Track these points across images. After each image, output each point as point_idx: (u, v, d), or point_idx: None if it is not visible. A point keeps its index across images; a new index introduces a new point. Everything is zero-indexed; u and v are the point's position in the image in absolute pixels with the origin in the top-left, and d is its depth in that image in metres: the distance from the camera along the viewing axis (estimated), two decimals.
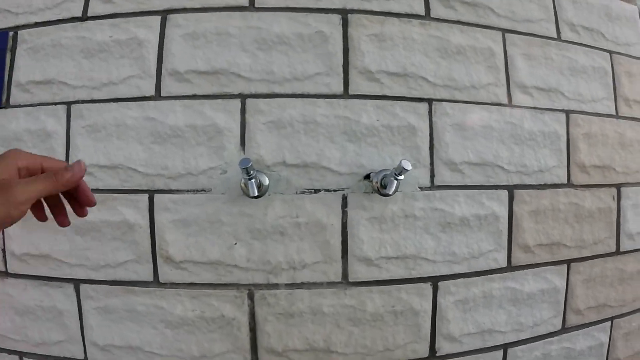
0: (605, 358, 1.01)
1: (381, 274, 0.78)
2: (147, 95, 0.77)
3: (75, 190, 0.40)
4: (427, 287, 0.80)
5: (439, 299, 0.80)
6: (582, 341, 0.94)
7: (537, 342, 0.90)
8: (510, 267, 0.85)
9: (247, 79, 0.76)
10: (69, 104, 0.79)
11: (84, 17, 0.80)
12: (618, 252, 0.96)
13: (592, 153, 0.92)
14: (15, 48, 0.80)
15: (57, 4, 0.81)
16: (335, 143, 0.76)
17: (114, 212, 0.77)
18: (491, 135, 0.84)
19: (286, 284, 0.77)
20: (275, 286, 0.77)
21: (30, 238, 0.79)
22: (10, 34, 0.79)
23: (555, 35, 0.92)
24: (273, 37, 0.77)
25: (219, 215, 0.76)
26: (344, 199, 0.76)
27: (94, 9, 0.80)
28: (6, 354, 0.82)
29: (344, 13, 0.79)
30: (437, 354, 0.81)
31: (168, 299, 0.76)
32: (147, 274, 0.76)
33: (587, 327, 0.94)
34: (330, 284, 0.77)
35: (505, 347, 0.87)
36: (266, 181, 0.73)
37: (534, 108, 0.88)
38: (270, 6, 0.79)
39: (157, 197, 0.76)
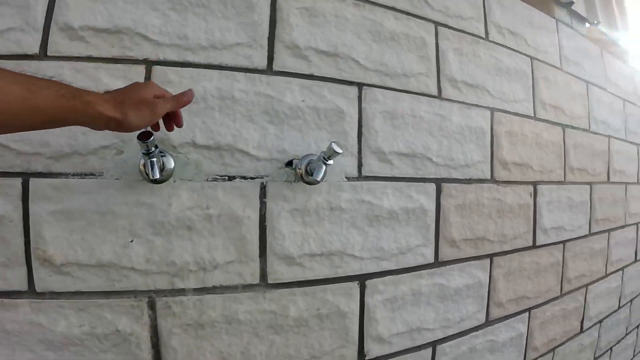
0: (524, 347, 1.04)
1: (305, 274, 0.71)
2: (29, 53, 0.61)
3: (175, 112, 0.57)
4: (355, 287, 0.74)
5: (367, 299, 0.75)
6: (504, 333, 0.96)
7: (464, 337, 0.89)
8: (437, 263, 0.83)
9: (154, 43, 0.64)
10: None
11: None
12: (534, 246, 1.00)
13: (513, 151, 0.95)
14: None
15: None
16: (255, 123, 0.67)
17: None
18: (421, 126, 0.81)
19: (195, 289, 0.66)
20: (182, 292, 0.65)
21: None
22: None
23: (484, 35, 0.94)
24: None
25: (112, 206, 0.63)
26: (263, 187, 0.68)
27: None
28: None
29: None
30: (366, 358, 0.76)
31: (48, 313, 0.60)
32: (19, 282, 0.59)
33: (508, 319, 0.97)
34: (247, 287, 0.68)
35: (434, 344, 0.85)
36: (171, 164, 0.62)
37: (462, 103, 0.88)
38: None
39: (32, 181, 0.60)
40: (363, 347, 0.81)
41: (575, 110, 1.22)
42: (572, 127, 1.20)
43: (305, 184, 0.74)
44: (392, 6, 0.86)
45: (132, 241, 0.66)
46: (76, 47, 0.65)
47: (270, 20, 0.74)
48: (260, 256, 0.73)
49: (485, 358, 0.99)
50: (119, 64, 0.67)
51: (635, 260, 1.69)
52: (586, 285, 1.30)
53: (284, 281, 0.74)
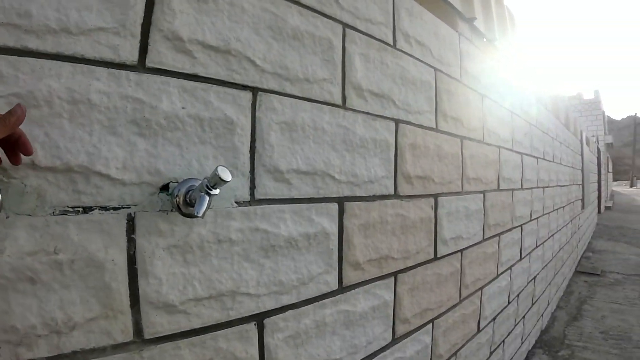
0: (429, 357, 1.17)
1: (191, 322, 0.69)
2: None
3: (14, 137, 0.52)
4: (252, 328, 0.75)
5: (267, 339, 0.77)
6: (411, 347, 1.08)
7: None
8: (341, 289, 0.88)
9: None
10: None
11: None
12: (436, 257, 1.12)
13: (416, 164, 1.05)
14: None
15: None
16: (118, 136, 0.62)
17: None
18: (323, 139, 0.84)
19: (47, 358, 0.56)
20: None
21: None
22: None
23: (392, 42, 1.00)
24: None
25: None
26: (131, 220, 0.64)
27: None
28: None
29: None
30: None
31: None
32: None
33: (414, 333, 1.09)
34: (118, 347, 0.63)
35: None
36: None
37: (368, 113, 0.94)
38: None
39: None
40: None
41: (472, 122, 1.41)
42: (469, 139, 1.39)
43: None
44: (297, 0, 0.85)
45: None
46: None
47: (146, 1, 0.66)
48: (132, 307, 0.67)
49: None
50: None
51: (521, 259, 2.07)
52: (481, 288, 1.54)
53: (165, 334, 0.69)
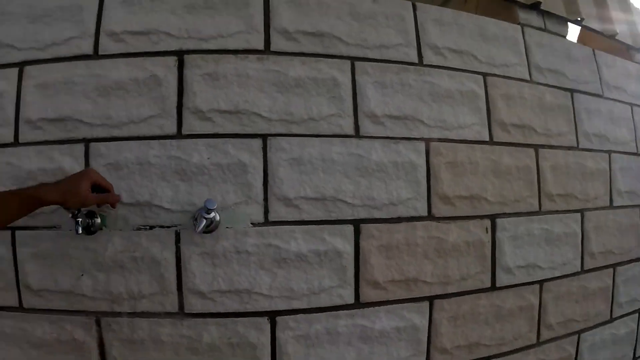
0: None
1: (216, 307, 0.88)
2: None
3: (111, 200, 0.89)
4: (265, 322, 0.90)
5: (278, 333, 0.90)
6: None
7: None
8: (358, 304, 0.91)
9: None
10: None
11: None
12: (494, 287, 0.96)
13: (457, 183, 0.94)
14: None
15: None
16: (168, 182, 0.90)
17: None
18: (333, 169, 0.90)
19: (128, 313, 0.88)
20: (119, 314, 0.89)
21: None
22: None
23: (416, 60, 0.95)
24: (113, 84, 0.90)
25: (68, 250, 0.89)
26: (177, 234, 0.88)
27: None
28: None
29: (180, 54, 0.87)
30: None
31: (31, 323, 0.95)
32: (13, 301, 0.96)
33: None
34: (168, 315, 0.89)
35: None
36: (98, 221, 0.85)
37: (387, 137, 0.92)
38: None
39: (19, 234, 0.93)
40: None
41: (554, 126, 1.06)
42: (550, 147, 1.05)
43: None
44: (299, 51, 0.94)
45: (82, 275, 0.94)
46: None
47: (177, 92, 0.92)
48: (177, 290, 0.93)
49: None
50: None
51: None
52: (578, 333, 1.11)
53: (198, 312, 0.93)
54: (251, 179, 0.93)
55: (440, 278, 0.98)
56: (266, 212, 0.94)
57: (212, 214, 0.85)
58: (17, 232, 0.97)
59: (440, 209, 0.97)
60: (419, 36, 0.97)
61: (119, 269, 0.95)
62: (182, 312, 0.95)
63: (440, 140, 0.97)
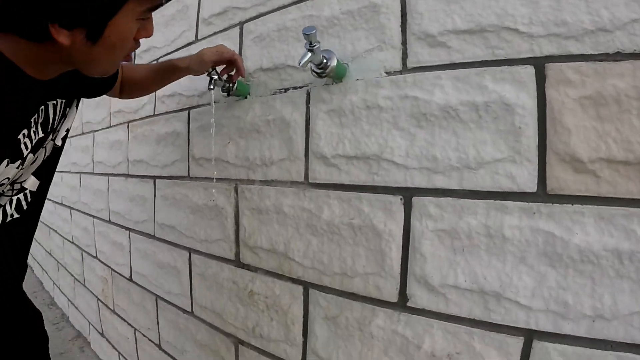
0: None
1: (340, 177, 0.75)
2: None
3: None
4: (396, 202, 0.71)
5: (413, 222, 0.69)
6: None
7: None
8: (544, 195, 0.62)
9: None
10: None
11: None
12: None
13: None
14: None
15: None
16: (299, 40, 0.86)
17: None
18: None
19: (260, 181, 0.87)
20: (252, 182, 0.89)
21: None
22: None
23: None
24: None
25: (221, 120, 0.95)
26: (308, 94, 0.81)
27: None
28: None
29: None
30: (408, 303, 0.71)
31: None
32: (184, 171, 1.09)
33: None
34: (294, 183, 0.83)
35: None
36: (235, 86, 0.93)
37: None
38: None
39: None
40: (405, 288, 0.70)
41: None
42: None
43: (338, 85, 0.78)
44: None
45: (229, 143, 0.97)
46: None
47: None
48: (305, 156, 0.83)
49: None
50: None
51: None
52: None
53: (321, 182, 0.80)
54: (384, 20, 0.74)
55: None
56: (404, 56, 0.72)
57: (316, 45, 0.69)
58: (191, 112, 1.10)
59: None
60: None
61: (256, 133, 0.93)
62: (306, 182, 0.84)
63: None
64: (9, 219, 0.73)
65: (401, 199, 0.71)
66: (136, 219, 1.41)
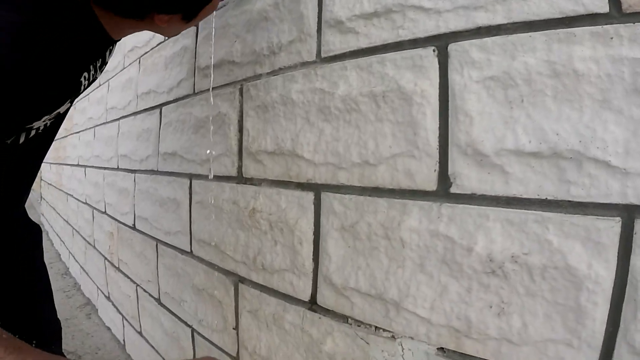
0: None
1: (358, 41, 0.62)
2: None
3: None
4: (428, 55, 0.57)
5: (452, 75, 0.53)
6: None
7: None
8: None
9: None
10: None
11: None
12: None
13: None
14: None
15: None
16: None
17: None
18: None
19: (267, 73, 0.75)
20: (259, 77, 0.77)
21: None
22: None
23: None
24: None
25: (228, 20, 0.85)
26: None
27: None
28: None
29: None
30: (450, 189, 0.52)
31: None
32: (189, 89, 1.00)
33: None
34: (304, 64, 0.70)
35: None
36: None
37: None
38: None
39: None
40: (447, 164, 0.52)
41: None
42: None
43: None
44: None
45: (235, 41, 0.85)
46: None
47: None
48: (317, 31, 0.70)
49: None
50: None
51: None
52: None
53: (337, 52, 0.66)
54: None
55: None
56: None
57: None
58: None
59: None
60: None
61: (264, 22, 0.80)
62: (318, 59, 0.69)
63: None
64: (32, 133, 0.74)
65: (434, 50, 0.55)
66: (141, 156, 1.32)
